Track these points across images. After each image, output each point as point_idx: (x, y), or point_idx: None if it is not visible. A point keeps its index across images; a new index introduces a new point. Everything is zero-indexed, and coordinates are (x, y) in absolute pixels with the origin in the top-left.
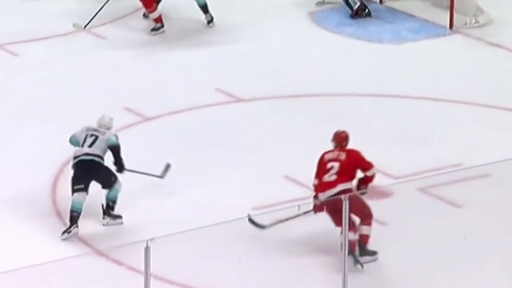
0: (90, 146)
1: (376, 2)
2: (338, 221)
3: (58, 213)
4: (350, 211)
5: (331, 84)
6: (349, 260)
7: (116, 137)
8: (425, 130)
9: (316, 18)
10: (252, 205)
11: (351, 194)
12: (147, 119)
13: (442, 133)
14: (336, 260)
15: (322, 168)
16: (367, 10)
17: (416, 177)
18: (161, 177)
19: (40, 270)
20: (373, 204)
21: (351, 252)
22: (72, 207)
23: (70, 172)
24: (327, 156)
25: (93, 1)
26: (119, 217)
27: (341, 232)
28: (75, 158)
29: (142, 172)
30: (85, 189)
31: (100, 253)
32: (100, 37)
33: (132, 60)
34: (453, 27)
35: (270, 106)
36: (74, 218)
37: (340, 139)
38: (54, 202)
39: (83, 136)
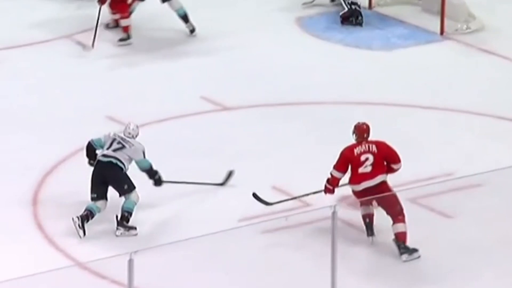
0: (114, 151)
1: (365, 8)
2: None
3: (40, 226)
4: (381, 207)
5: (319, 91)
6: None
7: (144, 153)
8: (416, 138)
9: (303, 23)
10: (238, 216)
11: (379, 186)
12: None
13: (433, 142)
14: (325, 270)
15: (355, 161)
16: (359, 18)
17: (407, 187)
18: (222, 184)
19: (21, 284)
20: (360, 214)
21: (402, 247)
22: (87, 205)
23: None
24: (356, 150)
25: (74, 7)
26: (134, 228)
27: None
28: (96, 160)
29: (200, 183)
30: (100, 198)
31: (83, 266)
32: (82, 44)
33: (115, 68)
34: (444, 33)
35: (257, 115)
36: (84, 216)
37: (362, 131)
38: (35, 214)
39: (110, 141)
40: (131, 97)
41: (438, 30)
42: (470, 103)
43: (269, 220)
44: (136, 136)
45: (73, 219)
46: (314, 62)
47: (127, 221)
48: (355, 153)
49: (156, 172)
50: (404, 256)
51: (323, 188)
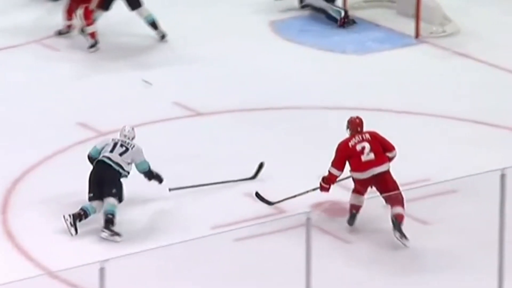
0: (120, 155)
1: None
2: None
3: (9, 234)
4: (384, 189)
5: (294, 96)
6: None
7: (145, 159)
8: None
9: (276, 27)
10: (211, 224)
11: (384, 173)
12: (102, 134)
13: (408, 147)
14: (299, 278)
15: (353, 153)
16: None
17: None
18: (253, 178)
19: None
20: (337, 221)
21: (397, 225)
22: (83, 205)
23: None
24: (351, 143)
25: (43, 13)
26: (118, 235)
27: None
28: (97, 159)
29: (230, 181)
30: (96, 198)
31: (54, 275)
32: (52, 48)
33: (86, 74)
34: (419, 37)
35: (231, 120)
36: (76, 215)
37: (355, 125)
38: (4, 222)
39: (111, 144)
40: (102, 103)
41: (413, 33)
42: (446, 108)
43: (242, 227)
44: (133, 138)
45: (64, 216)
46: (288, 66)
47: (113, 223)
48: (350, 146)
49: (155, 173)
50: (397, 234)
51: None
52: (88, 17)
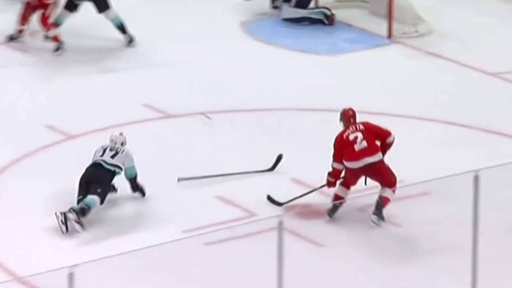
0: (111, 157)
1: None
2: (354, 180)
3: None
4: (378, 178)
5: (266, 98)
6: None
7: (133, 166)
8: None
9: (248, 28)
10: (182, 228)
11: (377, 163)
12: (71, 137)
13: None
14: (271, 282)
15: (346, 143)
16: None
17: (355, 195)
18: (270, 170)
19: None
20: (309, 224)
21: (379, 206)
22: (72, 206)
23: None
24: (345, 134)
25: (10, 12)
26: (82, 225)
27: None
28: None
29: (247, 172)
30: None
31: (22, 281)
32: (21, 50)
33: (54, 76)
34: (392, 37)
35: (202, 122)
36: (78, 211)
37: (348, 116)
38: None
39: (101, 150)
40: (70, 106)
41: (385, 33)
42: (419, 108)
43: (213, 231)
44: (122, 143)
45: (56, 214)
46: (260, 67)
47: (84, 214)
48: (344, 137)
49: (140, 186)
50: (374, 218)
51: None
52: (45, 24)
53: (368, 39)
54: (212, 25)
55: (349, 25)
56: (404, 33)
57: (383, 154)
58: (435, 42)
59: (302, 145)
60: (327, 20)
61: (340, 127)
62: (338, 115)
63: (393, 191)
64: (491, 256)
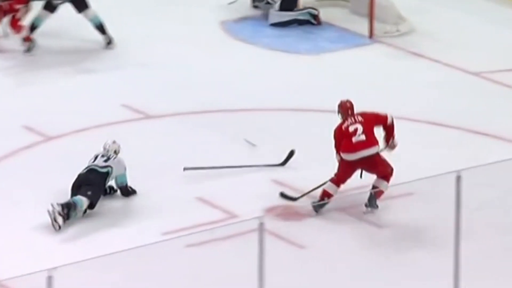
0: (104, 162)
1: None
2: (347, 175)
3: None
4: (373, 172)
5: (247, 98)
6: None
7: (125, 168)
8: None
9: (228, 28)
10: (162, 230)
11: (374, 156)
12: (50, 138)
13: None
14: (252, 284)
15: (345, 134)
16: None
17: (336, 196)
18: (282, 165)
19: None
20: (291, 225)
21: (372, 198)
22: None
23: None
24: (344, 126)
25: None
26: (64, 219)
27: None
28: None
29: (258, 165)
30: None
31: (0, 284)
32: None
33: (32, 77)
34: (373, 36)
35: (182, 123)
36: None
37: (345, 108)
38: None
39: (93, 157)
40: (48, 107)
41: (367, 33)
42: (401, 108)
43: (194, 233)
44: (115, 151)
45: (48, 211)
46: (242, 67)
47: (68, 210)
48: (343, 128)
49: (129, 192)
50: (366, 210)
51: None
52: (15, 26)
53: (350, 39)
54: (192, 25)
55: (330, 25)
56: (385, 33)
57: (389, 137)
58: (416, 41)
59: (283, 146)
60: (315, 20)
61: (338, 119)
62: (336, 108)
63: (388, 182)
64: (473, 257)
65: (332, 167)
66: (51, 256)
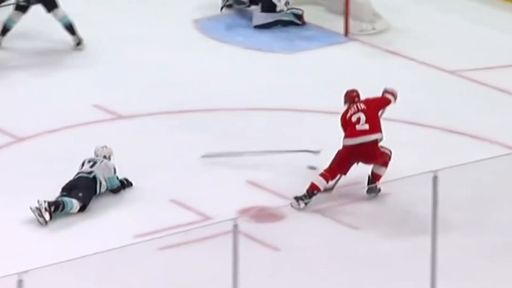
0: (91, 167)
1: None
2: (342, 168)
3: None
4: (372, 163)
5: (220, 97)
6: None
7: (115, 170)
8: (321, 145)
9: (201, 26)
10: (135, 232)
11: (373, 144)
12: (21, 139)
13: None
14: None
15: (349, 122)
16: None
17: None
18: (316, 152)
19: None
20: (264, 228)
21: (371, 182)
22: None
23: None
24: (348, 114)
25: None
26: (50, 214)
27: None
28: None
29: (291, 151)
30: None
31: None
32: None
33: (2, 78)
34: (349, 34)
35: (155, 123)
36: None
37: (351, 98)
38: None
39: (81, 163)
40: (19, 108)
41: (342, 31)
42: None
43: (167, 235)
44: (105, 156)
45: (31, 208)
46: (215, 66)
47: (56, 209)
48: (347, 117)
49: (124, 188)
50: (369, 195)
51: None
52: None
53: (325, 37)
54: (165, 24)
55: (305, 23)
56: (361, 31)
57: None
58: (392, 39)
59: (258, 146)
60: (299, 20)
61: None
62: (342, 97)
63: (386, 167)
64: (450, 257)
65: (306, 164)
66: (23, 258)
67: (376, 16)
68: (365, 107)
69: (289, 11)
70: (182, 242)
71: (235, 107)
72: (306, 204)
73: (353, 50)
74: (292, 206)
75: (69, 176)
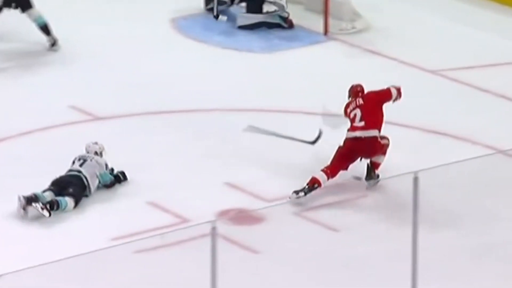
0: (80, 166)
1: (243, 8)
2: (342, 163)
3: None
4: (373, 157)
5: (198, 98)
6: None
7: (107, 166)
8: (300, 147)
9: (178, 26)
10: (111, 236)
11: (372, 140)
12: None
13: (318, 151)
14: None
15: (349, 118)
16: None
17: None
18: (312, 143)
19: None
20: (243, 230)
21: (371, 170)
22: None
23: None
24: (349, 108)
25: None
26: (48, 212)
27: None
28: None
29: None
30: (51, 191)
31: None
32: None
33: None
34: (328, 34)
35: (132, 125)
36: (30, 198)
37: (355, 93)
38: None
39: (71, 161)
40: None
41: (322, 30)
42: None
43: (144, 238)
44: (96, 152)
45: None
46: (192, 66)
47: (51, 208)
48: (348, 111)
49: (119, 182)
50: (368, 184)
51: None
52: None
53: (304, 36)
54: (142, 23)
55: None
56: (341, 30)
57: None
58: (372, 38)
59: (236, 147)
60: (285, 23)
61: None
62: (347, 93)
63: (384, 154)
64: (431, 258)
65: (286, 167)
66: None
67: (356, 15)
68: (362, 103)
69: (275, 13)
70: (159, 245)
71: (213, 108)
72: (305, 194)
73: (332, 50)
74: (290, 199)
75: (46, 178)
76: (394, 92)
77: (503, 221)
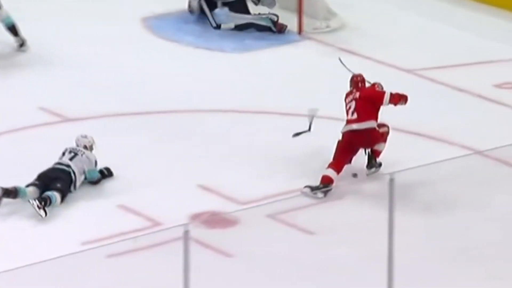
0: (70, 159)
1: (216, 7)
2: (344, 156)
3: None
4: (372, 146)
5: (170, 99)
6: None
7: (96, 163)
8: (274, 149)
9: (149, 25)
10: (81, 240)
11: (370, 131)
12: None
13: (292, 153)
14: None
15: (345, 107)
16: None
17: (265, 202)
18: (308, 131)
19: None
20: (216, 233)
21: (372, 158)
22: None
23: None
24: (347, 99)
25: None
26: (44, 212)
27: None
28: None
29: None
30: (36, 186)
31: None
32: None
33: None
34: (303, 33)
35: (103, 126)
36: (9, 190)
37: (356, 83)
38: None
39: (61, 153)
40: None
41: (296, 29)
42: (332, 107)
43: (115, 242)
44: (86, 146)
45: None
46: (163, 67)
47: (46, 204)
48: (347, 101)
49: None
50: (369, 171)
51: None
52: None
53: (278, 36)
54: (112, 23)
55: None
56: (315, 29)
57: (396, 103)
58: (347, 37)
59: (208, 149)
60: (275, 27)
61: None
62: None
63: (384, 142)
64: (407, 261)
65: (260, 169)
66: None
67: (330, 13)
68: (357, 96)
69: (265, 16)
70: (131, 249)
71: (185, 109)
72: (325, 194)
73: (307, 49)
74: (304, 193)
75: (15, 180)
76: (386, 98)
77: (479, 222)
